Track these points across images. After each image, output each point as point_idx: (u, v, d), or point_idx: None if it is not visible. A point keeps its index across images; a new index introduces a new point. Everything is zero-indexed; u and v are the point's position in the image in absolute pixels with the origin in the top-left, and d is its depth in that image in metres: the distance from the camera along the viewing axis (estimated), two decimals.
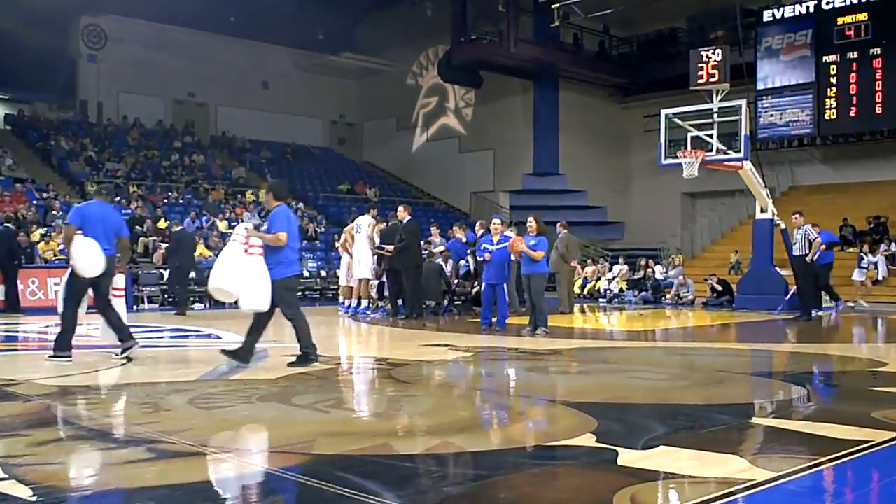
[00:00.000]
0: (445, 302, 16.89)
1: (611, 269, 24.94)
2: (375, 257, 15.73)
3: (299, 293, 21.19)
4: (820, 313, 16.30)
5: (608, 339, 12.73)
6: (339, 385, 7.48)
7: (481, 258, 12.59)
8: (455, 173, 33.80)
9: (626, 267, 24.69)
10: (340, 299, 17.08)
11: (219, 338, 11.77)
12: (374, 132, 38.18)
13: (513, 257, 12.31)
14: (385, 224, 16.18)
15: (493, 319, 12.44)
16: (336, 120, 39.08)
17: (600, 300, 22.97)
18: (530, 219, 11.96)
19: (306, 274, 22.64)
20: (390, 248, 14.83)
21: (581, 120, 31.62)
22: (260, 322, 8.23)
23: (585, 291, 24.37)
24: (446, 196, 34.65)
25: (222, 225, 24.40)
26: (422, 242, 16.63)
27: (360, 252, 15.83)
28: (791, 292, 17.14)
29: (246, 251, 7.95)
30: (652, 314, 18.17)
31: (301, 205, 28.83)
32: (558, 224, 17.66)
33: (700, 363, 9.37)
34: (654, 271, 23.22)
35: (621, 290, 23.29)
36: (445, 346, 10.57)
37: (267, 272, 7.96)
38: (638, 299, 22.30)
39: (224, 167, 31.27)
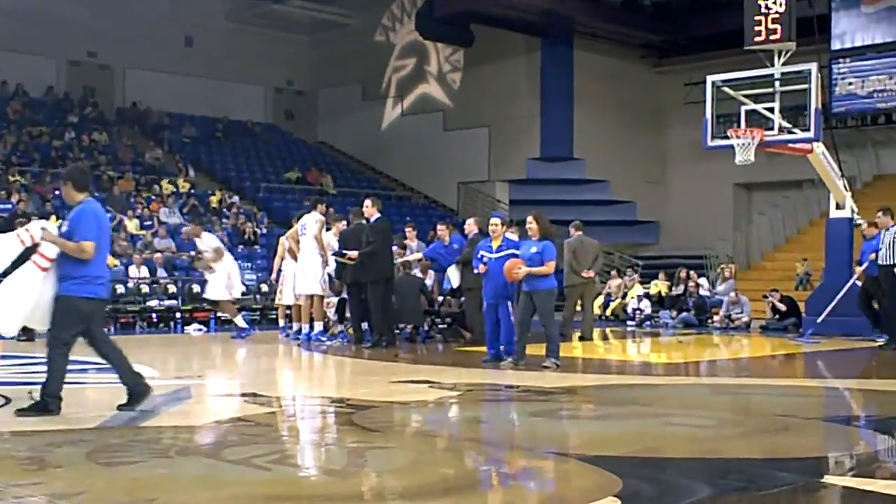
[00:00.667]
0: (426, 325, 16.86)
1: (642, 283, 25.02)
2: (331, 268, 15.70)
3: (250, 312, 21.42)
4: None
5: (637, 373, 12.75)
6: (284, 434, 7.46)
7: (476, 270, 12.55)
8: (438, 158, 33.86)
9: (661, 280, 24.77)
10: (280, 322, 17.12)
11: None
12: (331, 104, 38.19)
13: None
14: (346, 224, 16.19)
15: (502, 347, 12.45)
16: (282, 87, 39.08)
17: (628, 323, 23.03)
18: (530, 218, 11.97)
19: (239, 291, 22.52)
20: (354, 254, 14.83)
21: (603, 89, 31.75)
22: (110, 355, 8.08)
23: (609, 312, 24.44)
24: (427, 187, 34.68)
25: (132, 225, 24.35)
26: (394, 248, 16.63)
27: (305, 260, 15.81)
28: (824, 314, 17.30)
29: (32, 259, 7.64)
30: (695, 341, 18.21)
31: (236, 198, 28.85)
32: (571, 225, 17.70)
33: (756, 405, 9.40)
34: (697, 286, 23.32)
35: (655, 310, 23.36)
36: (425, 382, 10.57)
37: (38, 287, 7.63)
38: (677, 322, 22.38)
39: (135, 149, 31.19)
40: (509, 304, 12.27)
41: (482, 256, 12.39)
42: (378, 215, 15.06)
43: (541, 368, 11.53)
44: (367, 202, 15.15)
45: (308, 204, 28.56)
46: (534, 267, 11.55)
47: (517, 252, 12.01)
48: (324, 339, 15.72)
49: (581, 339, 16.95)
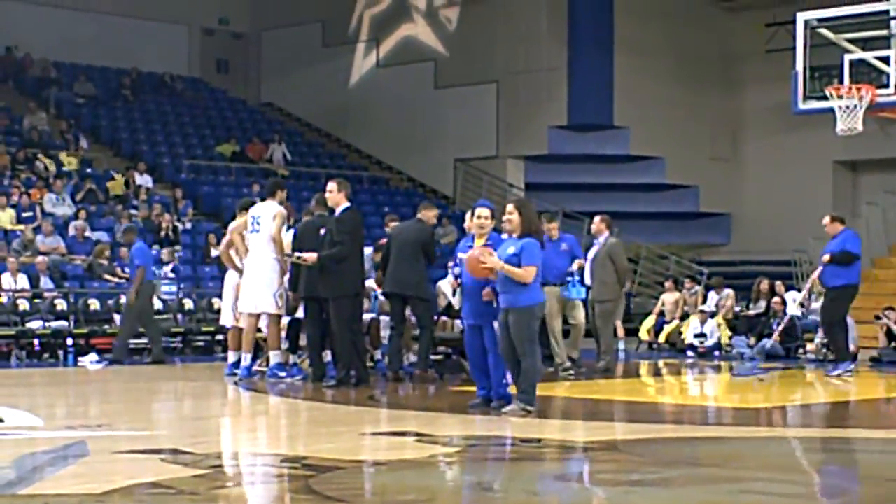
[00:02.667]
0: (411, 355, 16.84)
1: (706, 299, 25.00)
2: (285, 276, 15.69)
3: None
4: None
5: (701, 423, 12.72)
6: None
7: (450, 277, 12.49)
8: (428, 126, 33.86)
9: (731, 293, 24.77)
10: (228, 354, 16.99)
11: None
12: (280, 51, 38.14)
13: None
14: (299, 217, 16.13)
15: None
16: (213, 28, 39.03)
17: (688, 353, 23.01)
18: (510, 207, 11.82)
19: (158, 305, 22.56)
20: (311, 257, 14.80)
21: (654, 32, 31.76)
22: None
23: (663, 338, 24.40)
24: (412, 166, 34.67)
25: (4, 217, 24.31)
26: (370, 250, 16.59)
27: (257, 267, 15.76)
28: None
29: None
30: (780, 379, 18.19)
31: (148, 179, 28.80)
32: (596, 220, 17.71)
33: (866, 466, 9.37)
34: (784, 303, 23.30)
35: (728, 336, 23.34)
36: (410, 435, 10.52)
37: None
38: (756, 352, 22.32)
39: (8, 112, 31.11)
40: (495, 324, 12.19)
41: (460, 261, 12.30)
42: (347, 204, 15.03)
43: (501, 413, 11.56)
44: (332, 186, 15.09)
45: (248, 191, 28.86)
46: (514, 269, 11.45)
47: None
48: (282, 374, 15.65)
49: (604, 370, 17.18)
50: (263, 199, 16.42)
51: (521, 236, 11.63)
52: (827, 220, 17.39)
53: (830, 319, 17.62)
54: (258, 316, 15.81)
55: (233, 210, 27.49)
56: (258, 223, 15.71)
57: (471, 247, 12.22)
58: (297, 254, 15.06)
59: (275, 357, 15.88)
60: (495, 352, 12.08)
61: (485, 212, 12.26)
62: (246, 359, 16.01)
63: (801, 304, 23.35)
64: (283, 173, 30.87)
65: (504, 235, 12.13)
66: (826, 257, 17.19)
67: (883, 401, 15.39)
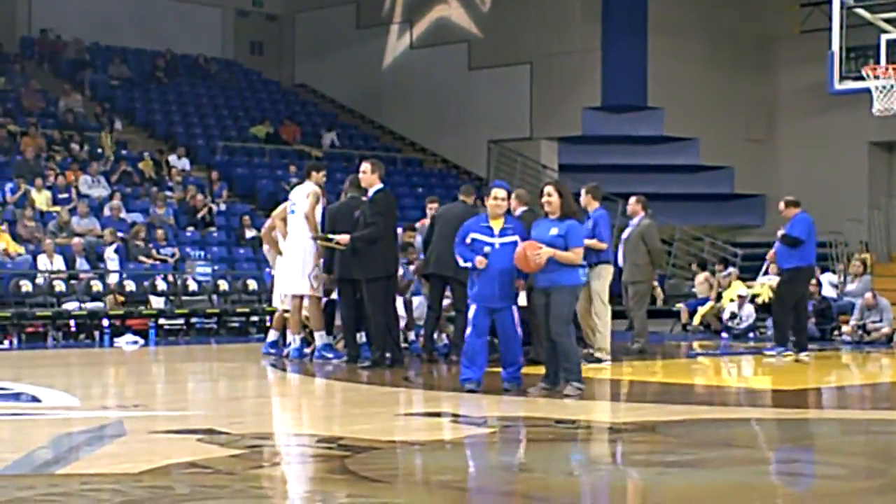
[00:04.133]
0: (444, 336, 16.87)
1: (742, 281, 24.92)
2: (320, 259, 15.69)
3: (179, 319, 21.46)
4: None
5: (737, 404, 12.73)
6: (254, 486, 7.45)
7: (468, 262, 12.32)
8: (462, 107, 33.85)
9: (771, 277, 24.64)
10: (270, 334, 17.00)
11: (36, 399, 11.73)
12: (314, 33, 38.20)
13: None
14: (333, 198, 16.12)
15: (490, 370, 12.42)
16: (247, 10, 39.11)
17: (723, 335, 22.97)
18: (549, 189, 11.86)
19: (193, 286, 22.65)
20: (344, 238, 14.79)
21: (688, 13, 31.63)
22: None
23: (697, 320, 24.36)
24: (446, 147, 34.68)
25: (41, 199, 24.42)
26: (399, 230, 16.58)
27: (294, 249, 15.77)
28: None
29: None
30: (816, 361, 18.14)
31: (185, 161, 28.90)
32: (632, 201, 17.66)
33: None
34: (819, 284, 23.23)
35: (761, 317, 23.27)
36: (445, 415, 10.56)
37: None
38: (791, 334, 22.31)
39: (46, 94, 31.25)
40: (514, 309, 12.14)
41: (475, 241, 12.19)
42: (380, 185, 15.01)
43: (563, 396, 11.57)
44: (365, 166, 15.06)
45: (281, 173, 28.93)
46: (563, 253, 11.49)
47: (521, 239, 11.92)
48: (329, 355, 15.62)
49: (639, 351, 17.21)
50: (301, 182, 16.42)
51: (562, 218, 11.66)
52: (782, 205, 17.68)
53: (781, 300, 17.80)
54: (302, 297, 15.81)
55: (267, 191, 27.79)
56: (294, 204, 15.75)
57: (488, 227, 12.15)
58: (329, 235, 15.05)
59: (320, 338, 15.86)
60: (514, 335, 12.08)
61: (501, 192, 12.22)
62: (296, 340, 16.03)
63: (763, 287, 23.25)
64: (318, 155, 30.88)
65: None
66: (776, 243, 17.60)
67: None
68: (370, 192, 14.98)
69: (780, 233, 17.50)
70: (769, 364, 17.26)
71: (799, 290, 17.69)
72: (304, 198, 15.62)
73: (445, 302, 16.23)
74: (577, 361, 11.86)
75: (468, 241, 12.11)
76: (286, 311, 16.33)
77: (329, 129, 33.85)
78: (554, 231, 11.61)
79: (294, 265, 15.67)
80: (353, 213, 15.08)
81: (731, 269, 25.80)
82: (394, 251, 15.31)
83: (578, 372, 11.81)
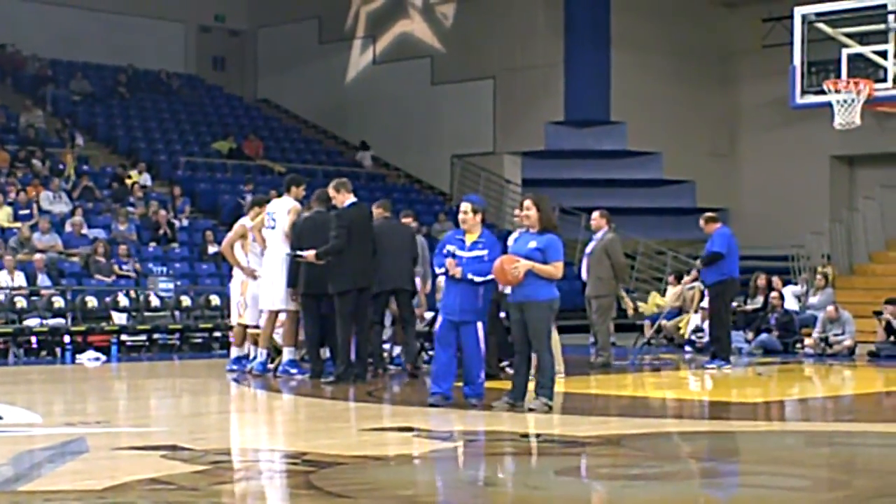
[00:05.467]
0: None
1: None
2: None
3: (141, 336, 21.35)
4: None
5: (700, 417, 12.76)
6: (217, 502, 7.44)
7: (440, 269, 12.42)
8: (425, 122, 33.85)
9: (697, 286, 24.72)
10: (233, 350, 16.91)
11: None
12: (276, 48, 38.12)
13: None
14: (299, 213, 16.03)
15: (458, 384, 12.40)
16: (209, 26, 39.00)
17: (686, 349, 23.02)
18: (528, 203, 11.89)
19: (155, 302, 22.55)
20: (310, 254, 14.74)
21: (651, 27, 31.74)
22: None
23: (660, 333, 24.38)
24: (409, 162, 34.66)
25: (2, 215, 24.28)
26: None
27: (274, 264, 15.68)
28: None
29: None
30: (778, 373, 18.21)
31: (146, 177, 28.79)
32: (595, 216, 17.72)
33: (866, 460, 9.40)
34: (781, 298, 23.33)
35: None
36: (409, 430, 10.55)
37: None
38: (754, 347, 22.37)
39: (6, 109, 31.09)
40: (479, 324, 12.16)
41: (447, 253, 12.26)
42: (350, 200, 15.02)
43: (527, 410, 11.57)
44: (331, 192, 15.10)
45: (243, 188, 28.86)
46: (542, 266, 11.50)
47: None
48: (294, 370, 15.58)
49: (602, 364, 17.25)
50: (280, 195, 16.34)
51: (541, 231, 11.67)
52: (702, 222, 18.00)
53: (713, 315, 18.18)
54: (277, 313, 15.76)
55: (229, 207, 27.68)
56: (273, 219, 15.69)
57: (460, 240, 12.22)
58: (297, 252, 15.02)
59: (288, 354, 15.83)
60: (475, 349, 12.10)
61: (465, 206, 12.30)
62: (261, 354, 16.00)
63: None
64: (280, 170, 30.81)
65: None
66: (698, 262, 18.19)
67: (882, 395, 15.39)
68: (345, 205, 15.02)
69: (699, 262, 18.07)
70: (736, 375, 17.33)
71: (727, 302, 18.04)
72: (284, 213, 15.58)
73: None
74: (552, 377, 11.84)
75: (443, 251, 12.21)
76: (245, 325, 16.27)
77: (364, 148, 34.29)
78: (532, 244, 11.62)
79: (275, 280, 15.59)
80: (318, 227, 15.06)
81: (696, 283, 25.82)
82: (365, 264, 15.17)
83: (551, 388, 11.79)
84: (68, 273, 23.01)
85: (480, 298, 12.08)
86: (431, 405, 12.14)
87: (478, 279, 12.00)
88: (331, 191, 15.13)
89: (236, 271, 16.53)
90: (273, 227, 15.62)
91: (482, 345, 12.16)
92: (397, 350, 17.05)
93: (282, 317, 15.80)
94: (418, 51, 34.44)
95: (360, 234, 14.87)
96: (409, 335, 16.06)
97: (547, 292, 11.62)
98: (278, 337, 16.12)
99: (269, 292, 15.65)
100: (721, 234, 17.54)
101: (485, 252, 12.00)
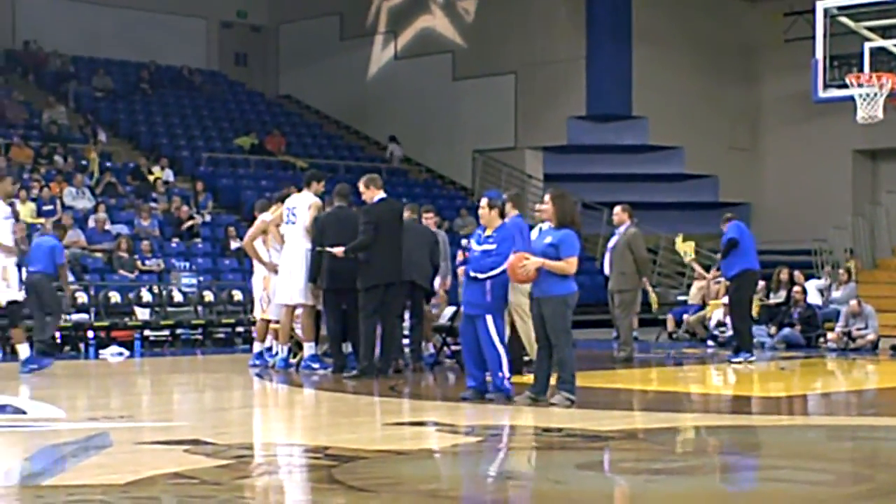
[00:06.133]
0: (430, 347, 16.87)
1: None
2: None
3: (164, 331, 21.39)
4: None
5: (723, 411, 12.72)
6: (240, 496, 7.45)
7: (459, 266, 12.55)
8: (446, 117, 33.84)
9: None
10: (255, 345, 16.93)
11: (21, 411, 11.71)
12: (298, 43, 38.13)
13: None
14: (323, 209, 16.03)
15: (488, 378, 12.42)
16: (231, 21, 39.03)
17: (709, 343, 22.99)
18: (546, 197, 12.00)
19: (178, 298, 22.60)
20: (338, 250, 14.70)
21: (672, 22, 31.67)
22: None
23: (683, 328, 24.36)
24: (430, 157, 34.65)
25: (26, 211, 24.33)
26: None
27: (292, 259, 15.68)
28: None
29: None
30: (802, 368, 18.16)
31: (169, 172, 28.84)
32: (617, 210, 17.70)
33: (890, 453, 9.41)
34: (804, 292, 23.27)
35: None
36: (432, 425, 10.58)
37: None
38: (777, 342, 22.32)
39: (29, 105, 31.19)
40: (488, 318, 12.13)
41: (466, 246, 12.39)
42: (380, 196, 15.03)
43: (536, 402, 11.61)
44: (360, 187, 15.11)
45: (266, 183, 28.86)
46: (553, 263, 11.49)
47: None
48: (315, 365, 15.58)
49: (624, 360, 17.24)
50: (300, 191, 16.30)
51: (559, 227, 11.68)
52: (721, 222, 18.28)
53: (734, 307, 18.19)
54: (294, 308, 15.75)
55: (252, 202, 27.67)
56: (294, 214, 15.64)
57: (479, 234, 12.30)
58: (326, 248, 14.99)
59: (309, 349, 15.80)
60: (490, 344, 12.10)
61: (482, 200, 12.39)
62: (283, 350, 16.01)
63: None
64: (303, 166, 30.83)
65: (545, 226, 12.37)
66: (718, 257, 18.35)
67: None
68: (374, 201, 15.03)
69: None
70: (759, 369, 17.30)
71: (748, 295, 18.00)
72: (305, 209, 15.54)
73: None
74: (572, 372, 11.81)
75: (466, 244, 12.34)
76: (268, 320, 16.31)
77: (394, 141, 34.24)
78: (548, 239, 11.67)
79: (293, 275, 15.57)
80: (340, 222, 15.07)
81: (718, 279, 25.77)
82: (393, 260, 15.14)
83: (572, 382, 11.77)
84: (92, 269, 23.07)
85: (488, 293, 12.07)
86: (463, 399, 12.16)
87: (480, 275, 12.06)
88: (361, 186, 15.15)
89: (258, 266, 16.54)
90: (292, 223, 15.60)
91: (496, 339, 12.11)
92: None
93: (298, 311, 15.80)
94: (440, 46, 34.41)
95: (388, 229, 14.82)
96: (417, 333, 16.06)
97: (562, 287, 11.62)
98: (300, 332, 16.13)
99: (286, 287, 15.63)
100: (734, 226, 17.74)
101: (493, 246, 12.03)
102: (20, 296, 15.92)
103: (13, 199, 24.12)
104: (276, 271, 16.01)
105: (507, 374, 12.13)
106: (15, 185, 17.51)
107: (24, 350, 15.82)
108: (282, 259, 15.78)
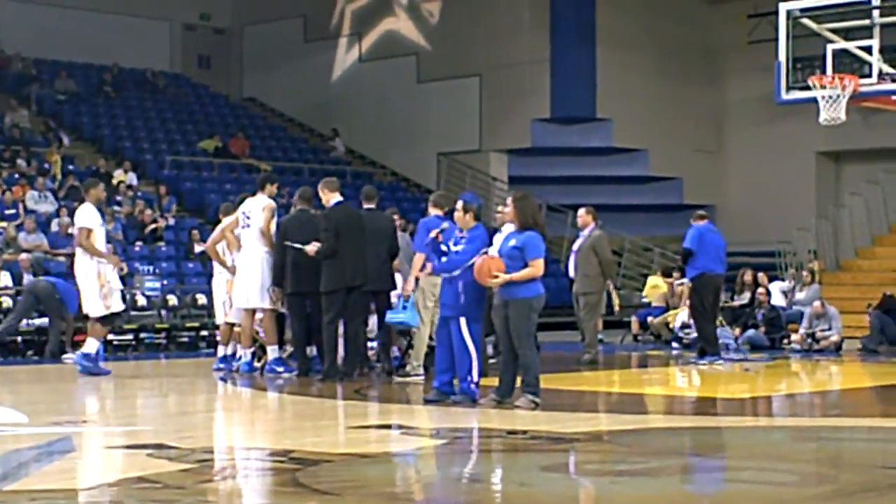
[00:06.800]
0: (395, 350, 16.88)
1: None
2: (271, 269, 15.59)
3: (128, 335, 21.31)
4: None
5: (687, 413, 12.78)
6: (203, 500, 7.43)
7: (433, 264, 12.51)
8: (411, 120, 33.85)
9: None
10: (218, 348, 16.89)
11: None
12: (262, 46, 38.09)
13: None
14: (283, 211, 16.03)
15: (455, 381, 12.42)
16: (194, 24, 38.94)
17: (673, 345, 23.05)
18: (508, 201, 12.04)
19: (141, 302, 22.51)
20: (311, 248, 14.67)
21: (636, 24, 31.81)
22: None
23: (651, 328, 24.42)
24: (395, 160, 34.67)
25: None
26: None
27: (249, 262, 15.66)
28: None
29: None
30: (765, 369, 18.23)
31: (132, 175, 28.73)
32: (582, 213, 17.73)
33: (853, 454, 9.45)
34: (768, 293, 23.37)
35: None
36: (396, 427, 10.58)
37: None
38: (740, 343, 22.40)
39: None
40: (462, 321, 12.12)
41: (431, 240, 12.31)
42: (337, 199, 15.03)
43: (500, 404, 11.63)
44: (321, 188, 15.13)
45: (230, 186, 28.81)
46: (513, 266, 11.47)
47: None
48: (279, 369, 15.55)
49: (589, 362, 17.26)
50: (254, 194, 16.28)
51: (521, 229, 11.68)
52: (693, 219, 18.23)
53: (692, 309, 18.45)
54: (254, 311, 15.73)
55: (216, 205, 27.60)
56: (248, 217, 15.65)
57: (455, 236, 12.28)
58: (297, 245, 14.92)
59: (272, 352, 15.78)
60: (462, 346, 12.09)
61: (458, 204, 12.39)
62: (246, 354, 15.96)
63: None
64: (266, 168, 30.76)
65: (507, 228, 12.52)
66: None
67: (868, 390, 15.44)
68: (331, 204, 15.04)
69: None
70: (723, 371, 17.36)
71: (707, 297, 17.93)
72: (259, 211, 15.53)
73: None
74: (536, 374, 11.82)
75: (431, 241, 12.28)
76: (231, 323, 16.28)
77: (336, 135, 34.53)
78: (513, 242, 11.68)
79: (250, 279, 15.56)
80: (302, 225, 15.07)
81: (684, 280, 25.82)
82: (355, 263, 15.09)
83: (536, 385, 11.78)
84: (54, 272, 22.93)
85: (461, 294, 12.06)
86: (427, 401, 12.16)
87: (444, 274, 12.17)
88: (321, 187, 15.17)
89: (218, 270, 16.51)
90: (248, 226, 15.59)
91: (469, 341, 12.12)
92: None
93: (258, 315, 15.77)
94: (404, 48, 34.44)
95: (348, 233, 14.84)
96: (384, 334, 16.00)
97: (527, 290, 11.61)
98: (263, 336, 16.10)
99: (243, 290, 15.61)
100: (691, 231, 17.72)
101: (460, 247, 12.04)
102: (120, 306, 16.10)
103: None
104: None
105: (475, 379, 12.12)
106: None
107: (91, 345, 15.99)
108: (238, 262, 15.77)
